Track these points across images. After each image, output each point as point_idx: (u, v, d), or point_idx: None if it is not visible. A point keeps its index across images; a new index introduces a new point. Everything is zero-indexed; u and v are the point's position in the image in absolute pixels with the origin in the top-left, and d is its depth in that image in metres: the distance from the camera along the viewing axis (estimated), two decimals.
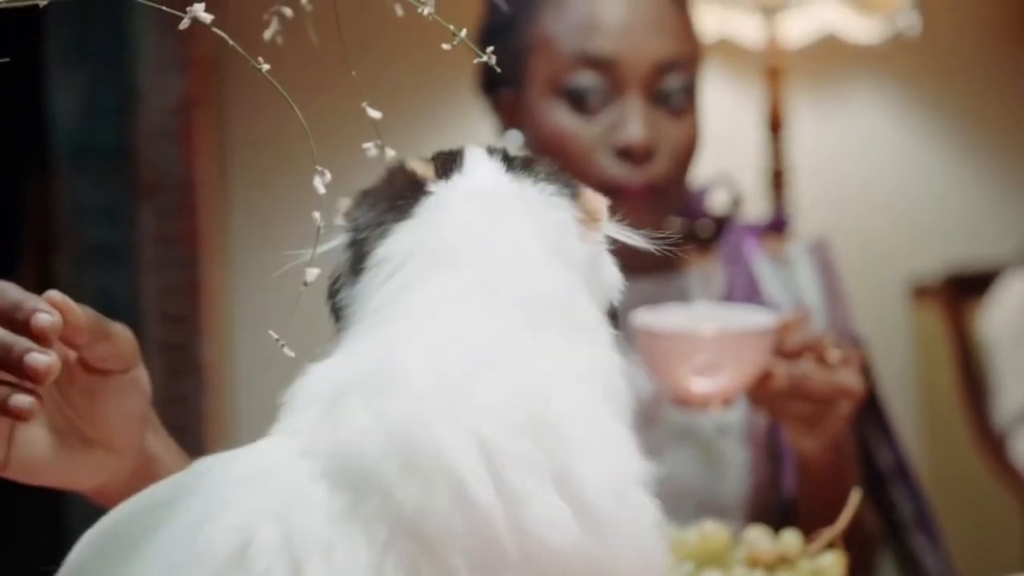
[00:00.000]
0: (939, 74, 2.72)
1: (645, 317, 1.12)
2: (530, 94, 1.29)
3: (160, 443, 0.82)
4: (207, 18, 0.60)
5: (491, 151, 0.70)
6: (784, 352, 1.11)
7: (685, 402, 1.12)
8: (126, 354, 0.73)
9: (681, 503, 1.27)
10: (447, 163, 0.67)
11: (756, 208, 2.46)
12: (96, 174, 1.97)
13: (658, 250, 0.70)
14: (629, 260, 1.32)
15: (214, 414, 2.08)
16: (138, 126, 1.98)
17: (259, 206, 2.33)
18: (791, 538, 0.94)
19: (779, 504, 1.31)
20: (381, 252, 0.63)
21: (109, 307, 2.03)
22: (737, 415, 1.29)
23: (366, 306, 0.63)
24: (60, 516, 1.91)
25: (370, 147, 0.68)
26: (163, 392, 2.11)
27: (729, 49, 2.52)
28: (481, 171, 0.67)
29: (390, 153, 0.68)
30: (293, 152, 2.41)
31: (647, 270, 1.34)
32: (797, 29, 2.39)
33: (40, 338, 0.65)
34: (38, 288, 0.70)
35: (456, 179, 0.67)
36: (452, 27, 0.65)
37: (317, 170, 0.61)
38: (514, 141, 1.34)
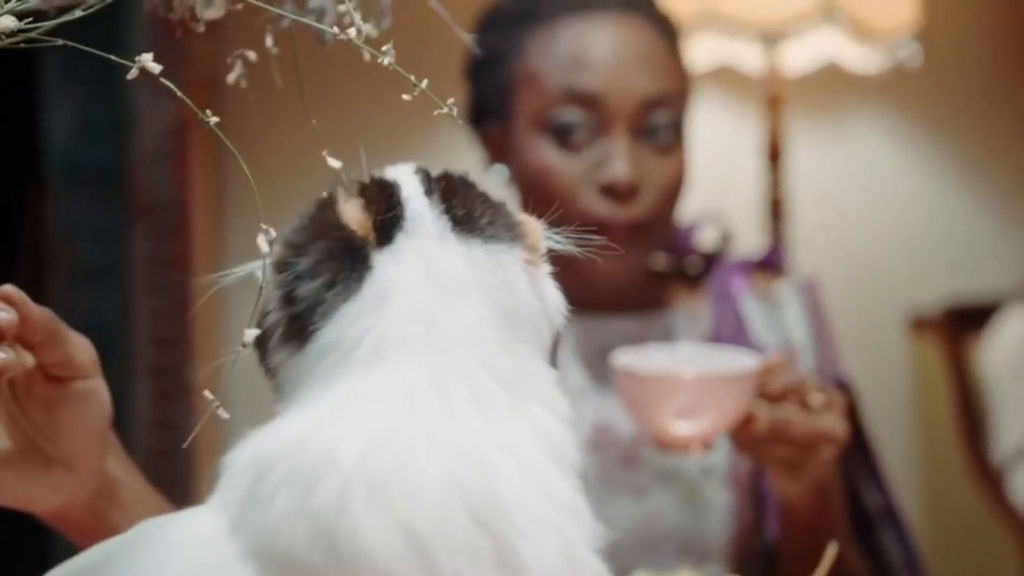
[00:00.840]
0: (940, 105, 2.71)
1: (626, 358, 1.10)
2: (516, 129, 1.28)
3: (120, 466, 0.81)
4: (155, 68, 0.59)
5: (428, 188, 0.65)
6: (767, 395, 1.10)
7: (665, 445, 1.11)
8: (84, 360, 0.72)
9: (663, 545, 1.25)
10: (386, 222, 0.63)
11: (753, 238, 2.45)
12: (90, 195, 1.97)
13: (582, 253, 0.70)
14: (615, 299, 1.33)
15: (205, 439, 2.07)
16: (132, 148, 1.97)
17: (253, 229, 2.31)
18: None
19: (763, 549, 1.29)
20: (324, 338, 0.60)
21: (100, 328, 2.02)
22: (721, 457, 1.28)
23: (305, 383, 0.61)
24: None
25: (262, 242, 0.66)
26: (153, 416, 2.11)
27: (729, 76, 2.52)
28: (426, 233, 0.63)
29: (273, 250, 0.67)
30: (288, 176, 2.41)
31: (633, 308, 1.33)
32: (798, 58, 2.38)
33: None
34: None
35: (399, 243, 0.63)
36: (413, 78, 0.64)
37: (262, 228, 0.61)
38: (499, 176, 1.33)
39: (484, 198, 0.66)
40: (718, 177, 2.60)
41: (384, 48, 0.63)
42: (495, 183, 1.35)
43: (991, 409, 2.40)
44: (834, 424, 1.11)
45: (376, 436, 0.56)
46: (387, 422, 0.57)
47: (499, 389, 0.59)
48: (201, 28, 0.65)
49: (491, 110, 1.32)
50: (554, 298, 0.66)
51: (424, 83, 0.63)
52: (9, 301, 0.66)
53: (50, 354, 0.70)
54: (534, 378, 0.62)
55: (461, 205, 0.65)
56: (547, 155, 1.25)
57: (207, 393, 0.69)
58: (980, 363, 2.46)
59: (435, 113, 0.65)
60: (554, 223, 1.24)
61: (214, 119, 0.60)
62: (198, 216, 2.09)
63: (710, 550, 1.26)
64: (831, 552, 0.93)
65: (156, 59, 0.76)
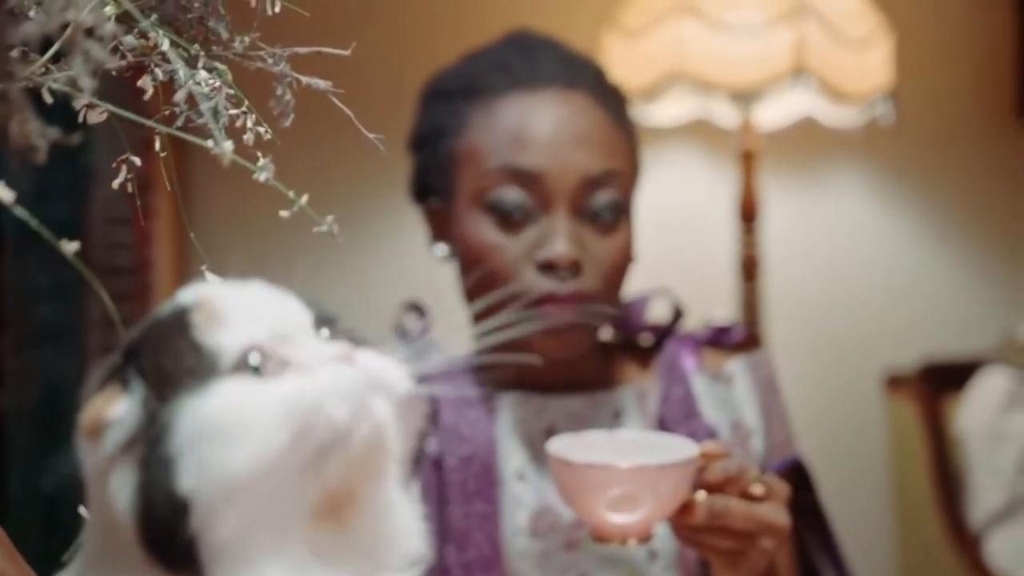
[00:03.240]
0: (916, 161, 2.69)
1: (560, 445, 1.08)
2: (457, 206, 1.26)
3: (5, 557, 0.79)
4: (100, 118, 0.59)
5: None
6: (706, 484, 1.07)
7: (601, 537, 1.08)
8: None
9: None
10: None
11: (726, 295, 2.43)
12: (46, 256, 1.95)
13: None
14: (560, 377, 1.30)
15: None
16: (90, 208, 1.95)
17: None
18: None
19: None
20: None
21: (55, 390, 1.99)
22: (667, 542, 1.25)
23: None
24: None
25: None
26: None
27: (703, 130, 2.51)
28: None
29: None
30: (254, 235, 2.39)
31: (580, 387, 1.31)
32: (772, 114, 2.37)
33: None
34: None
35: None
36: (291, 193, 0.62)
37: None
38: (440, 253, 1.31)
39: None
40: (690, 233, 2.58)
41: (261, 164, 0.62)
42: (437, 258, 1.33)
43: (967, 471, 2.37)
44: (775, 514, 1.08)
45: None
46: None
47: None
48: (41, 158, 0.63)
49: (433, 185, 1.30)
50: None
51: (304, 199, 0.62)
52: None
53: None
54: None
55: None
56: (487, 233, 1.23)
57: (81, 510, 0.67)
58: (956, 423, 2.43)
59: (314, 231, 0.63)
60: (495, 300, 1.23)
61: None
62: (158, 278, 2.06)
63: None
64: None
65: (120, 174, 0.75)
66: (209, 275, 0.65)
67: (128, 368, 0.61)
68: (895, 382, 2.58)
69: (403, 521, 0.65)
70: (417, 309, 1.32)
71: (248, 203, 2.27)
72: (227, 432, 0.57)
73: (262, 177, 0.62)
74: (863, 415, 2.66)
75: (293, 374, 0.60)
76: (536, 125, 1.23)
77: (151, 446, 0.57)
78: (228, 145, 0.62)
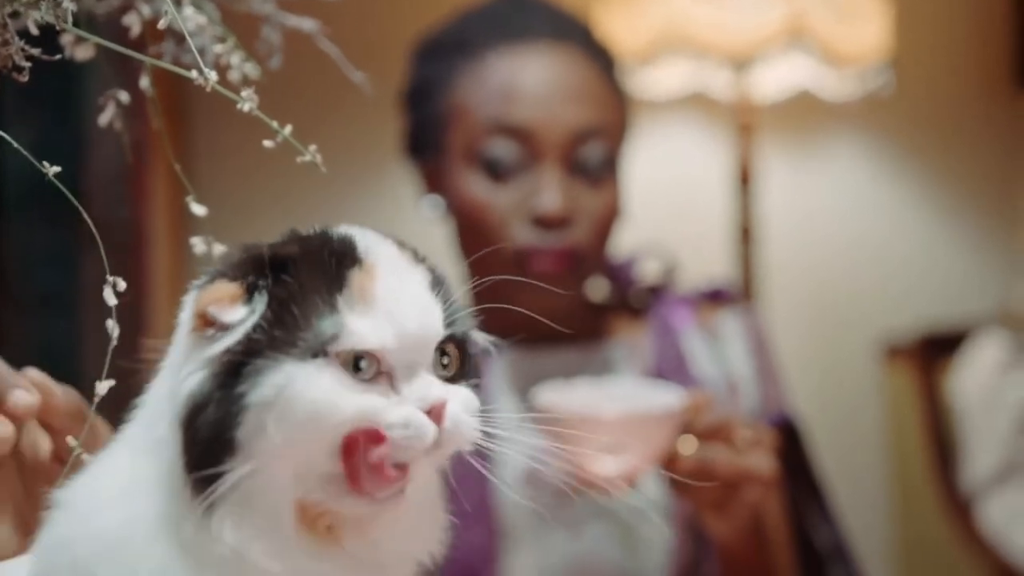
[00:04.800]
0: (913, 131, 2.69)
1: (548, 396, 1.09)
2: (448, 161, 1.27)
3: None
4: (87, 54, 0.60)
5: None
6: (694, 433, 1.08)
7: (588, 483, 1.09)
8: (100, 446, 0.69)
9: None
10: None
11: (723, 265, 2.43)
12: (44, 220, 1.96)
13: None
14: (552, 330, 1.31)
15: None
16: (88, 171, 1.96)
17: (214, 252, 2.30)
18: None
19: None
20: None
21: (53, 354, 2.00)
22: (658, 493, 1.26)
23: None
24: None
25: (197, 243, 0.66)
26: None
27: (701, 103, 2.50)
28: None
29: (218, 249, 0.66)
30: (251, 197, 2.40)
31: (571, 340, 1.32)
32: (769, 85, 2.36)
33: (14, 418, 0.64)
34: None
35: None
36: (275, 124, 0.63)
37: (108, 280, 0.60)
38: (432, 206, 1.32)
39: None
40: (689, 203, 2.59)
41: (244, 93, 0.62)
42: (427, 213, 1.34)
43: (963, 437, 2.38)
44: (760, 462, 1.09)
45: None
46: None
47: None
48: (24, 77, 0.64)
49: (425, 142, 1.31)
50: None
51: (287, 129, 0.62)
52: (33, 384, 0.66)
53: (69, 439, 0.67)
54: None
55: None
56: (478, 187, 1.24)
57: (70, 439, 0.67)
58: (952, 389, 2.44)
59: (298, 160, 0.64)
60: (487, 256, 1.24)
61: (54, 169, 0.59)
62: (159, 237, 2.07)
63: None
64: None
65: (117, 72, 0.75)
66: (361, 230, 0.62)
67: (259, 281, 0.57)
68: (893, 352, 2.59)
69: (415, 544, 0.62)
70: None
71: (242, 152, 2.28)
72: (295, 418, 0.55)
73: (246, 107, 0.63)
74: (859, 382, 2.66)
75: (381, 392, 0.57)
76: (526, 79, 1.24)
77: (235, 378, 0.56)
78: (212, 75, 0.62)
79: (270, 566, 0.55)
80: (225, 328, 0.56)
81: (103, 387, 0.62)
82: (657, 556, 1.25)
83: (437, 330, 0.60)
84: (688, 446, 1.08)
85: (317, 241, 0.60)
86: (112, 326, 0.61)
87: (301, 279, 0.57)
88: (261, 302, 0.56)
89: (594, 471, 1.07)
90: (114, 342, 0.62)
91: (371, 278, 0.58)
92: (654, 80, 2.32)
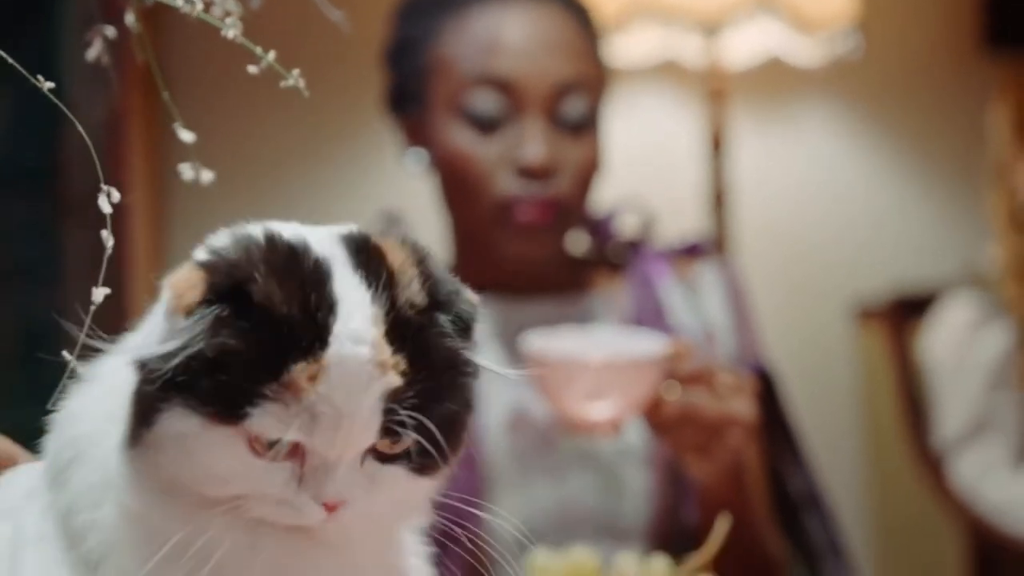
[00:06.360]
0: (882, 95, 2.72)
1: (535, 342, 1.11)
2: (432, 114, 1.29)
3: None
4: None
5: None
6: (677, 379, 1.11)
7: (574, 428, 1.12)
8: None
9: (581, 527, 1.26)
10: None
11: (695, 231, 2.46)
12: (21, 191, 1.96)
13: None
14: (533, 281, 1.33)
15: None
16: (65, 141, 1.96)
17: (197, 222, 2.31)
18: (659, 564, 0.93)
19: (683, 531, 1.30)
20: None
21: (34, 326, 2.00)
22: (639, 439, 1.28)
23: None
24: None
25: (185, 169, 0.67)
26: None
27: (671, 71, 2.52)
28: None
29: (206, 176, 0.67)
30: (231, 164, 2.40)
31: (551, 291, 1.34)
32: (740, 52, 2.39)
33: None
34: None
35: None
36: (259, 50, 0.64)
37: (103, 188, 0.61)
38: (416, 159, 1.34)
39: None
40: (661, 170, 2.61)
41: (228, 21, 0.63)
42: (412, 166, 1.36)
43: (934, 395, 2.42)
44: (742, 407, 1.12)
45: None
46: None
47: None
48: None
49: (408, 95, 1.33)
50: None
51: (271, 55, 0.64)
52: None
53: None
54: None
55: None
56: (462, 139, 1.26)
57: (66, 353, 0.67)
58: (923, 349, 2.47)
59: (281, 85, 0.65)
60: (471, 207, 1.26)
61: None
62: (137, 208, 2.08)
63: (628, 532, 1.26)
64: (722, 526, 0.93)
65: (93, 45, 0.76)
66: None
67: (219, 298, 0.54)
68: (865, 314, 2.62)
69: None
70: (394, 218, 1.35)
71: (222, 128, 2.28)
72: (186, 471, 0.55)
73: (230, 34, 0.64)
74: (832, 344, 2.70)
75: (284, 472, 0.55)
76: (509, 32, 1.26)
77: (150, 405, 0.55)
78: (198, 2, 0.64)
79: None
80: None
81: (99, 294, 0.62)
82: (637, 501, 1.28)
83: (365, 441, 0.54)
84: (672, 391, 1.11)
85: (290, 292, 0.54)
86: (107, 236, 0.62)
87: (248, 337, 0.53)
88: (208, 318, 0.53)
89: (580, 416, 1.09)
90: (109, 251, 0.62)
91: (313, 381, 0.53)
92: (625, 48, 2.33)
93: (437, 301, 0.57)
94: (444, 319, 0.57)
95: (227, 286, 0.54)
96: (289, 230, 0.58)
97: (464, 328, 0.57)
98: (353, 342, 0.54)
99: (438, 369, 0.56)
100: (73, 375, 0.62)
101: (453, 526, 0.61)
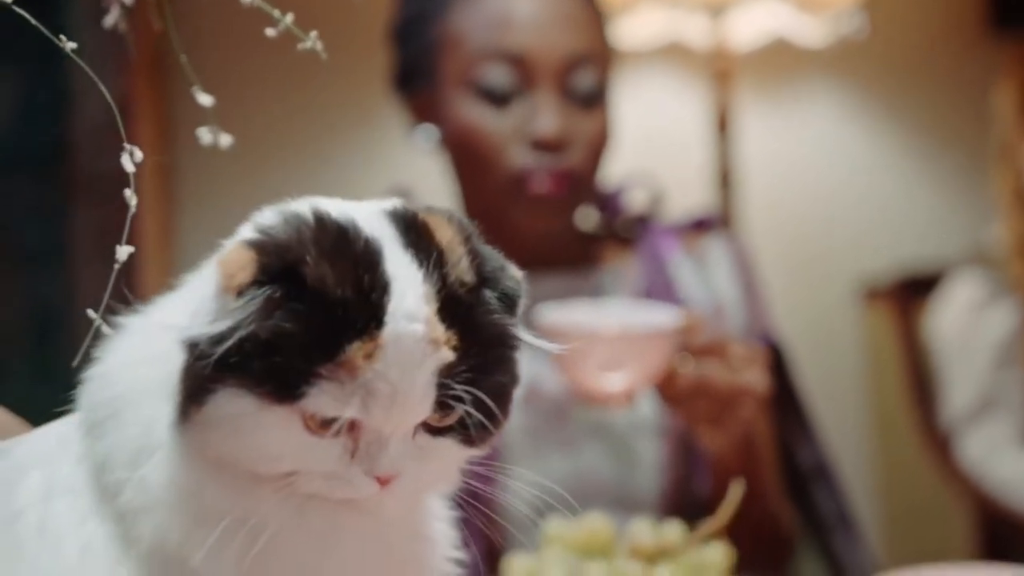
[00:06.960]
0: (888, 75, 2.73)
1: (550, 314, 1.12)
2: (443, 90, 1.29)
3: None
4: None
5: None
6: (690, 351, 1.12)
7: (588, 399, 1.12)
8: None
9: (594, 499, 1.26)
10: None
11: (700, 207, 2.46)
12: (32, 175, 1.97)
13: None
14: (544, 254, 1.34)
15: None
16: (73, 126, 1.97)
17: (204, 204, 2.32)
18: (673, 531, 0.94)
19: (695, 501, 1.31)
20: None
21: (45, 308, 2.01)
22: (651, 411, 1.29)
23: None
24: None
25: (204, 133, 0.67)
26: None
27: (678, 53, 2.53)
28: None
29: (225, 140, 0.68)
30: (239, 147, 2.40)
31: (563, 266, 1.34)
32: (745, 33, 2.39)
33: None
34: None
35: None
36: (276, 12, 0.65)
37: (125, 147, 0.61)
38: (425, 137, 1.34)
39: None
40: (668, 152, 2.61)
41: None
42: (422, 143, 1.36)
43: (939, 375, 2.42)
44: (755, 379, 1.13)
45: None
46: None
47: None
48: None
49: (416, 72, 1.33)
50: None
51: (288, 17, 0.64)
52: None
53: None
54: None
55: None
56: (474, 114, 1.27)
57: (90, 312, 0.68)
58: (930, 328, 2.48)
59: (298, 48, 0.65)
60: (484, 181, 1.26)
61: None
62: (145, 188, 2.08)
63: (641, 503, 1.27)
64: (736, 492, 0.94)
65: (98, 35, 0.76)
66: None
67: (271, 279, 0.54)
68: (871, 294, 2.63)
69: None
70: (404, 195, 1.35)
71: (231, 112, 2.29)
72: (238, 450, 0.57)
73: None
74: (839, 325, 2.71)
75: (338, 448, 0.56)
76: (519, 6, 1.27)
77: (202, 387, 0.55)
78: None
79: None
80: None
81: (123, 252, 0.63)
82: (650, 472, 1.29)
83: (420, 415, 0.56)
84: (685, 363, 1.11)
85: (343, 273, 0.54)
86: (130, 195, 0.63)
87: (302, 319, 0.53)
88: (260, 299, 0.53)
89: (594, 387, 1.10)
90: (132, 210, 0.63)
91: (370, 360, 0.54)
92: (632, 30, 2.34)
93: (484, 278, 0.58)
94: (491, 295, 0.58)
95: (278, 267, 0.54)
96: (336, 207, 0.58)
97: (510, 304, 0.59)
98: (408, 320, 0.55)
99: (487, 344, 0.57)
100: (98, 334, 0.63)
101: (470, 496, 0.62)
